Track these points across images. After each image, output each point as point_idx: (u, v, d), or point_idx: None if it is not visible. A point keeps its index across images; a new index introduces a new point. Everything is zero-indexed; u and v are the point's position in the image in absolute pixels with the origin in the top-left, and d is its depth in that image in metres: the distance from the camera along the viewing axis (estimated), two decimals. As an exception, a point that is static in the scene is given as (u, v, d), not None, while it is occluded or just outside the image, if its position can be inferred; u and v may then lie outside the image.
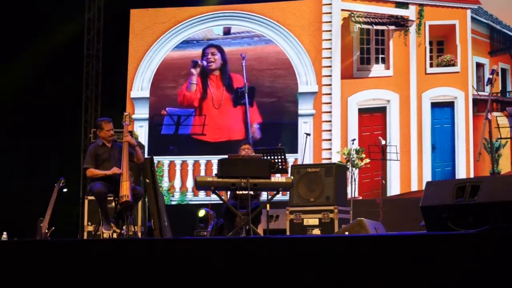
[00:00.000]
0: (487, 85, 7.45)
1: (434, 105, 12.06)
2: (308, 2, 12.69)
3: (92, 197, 8.14)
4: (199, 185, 7.60)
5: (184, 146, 12.69)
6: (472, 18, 11.96)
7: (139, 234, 8.31)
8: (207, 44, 12.95)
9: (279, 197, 8.08)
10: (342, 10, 12.42)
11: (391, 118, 12.11)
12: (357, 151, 10.83)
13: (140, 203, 8.29)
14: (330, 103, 12.31)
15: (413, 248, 3.75)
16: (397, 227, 8.97)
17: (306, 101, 12.42)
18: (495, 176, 8.18)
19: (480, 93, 11.81)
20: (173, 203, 12.51)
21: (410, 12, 12.21)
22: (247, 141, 10.99)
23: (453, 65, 11.96)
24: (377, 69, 12.33)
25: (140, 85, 12.93)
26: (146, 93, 12.88)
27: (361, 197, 11.60)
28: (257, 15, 12.80)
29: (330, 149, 12.17)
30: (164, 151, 12.63)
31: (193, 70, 12.75)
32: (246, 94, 12.46)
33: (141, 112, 12.81)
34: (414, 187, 11.85)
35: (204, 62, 12.75)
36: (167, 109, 12.76)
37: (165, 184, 12.56)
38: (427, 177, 11.71)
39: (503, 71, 11.85)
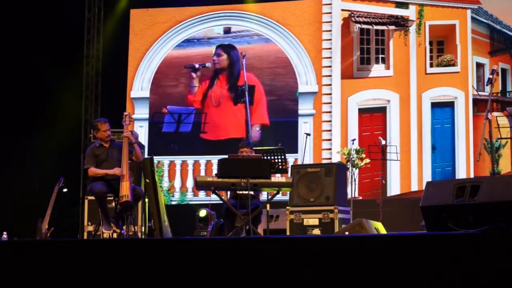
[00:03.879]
0: (487, 85, 7.45)
1: (434, 105, 12.06)
2: (308, 2, 12.70)
3: (92, 197, 8.13)
4: (199, 185, 7.59)
5: (185, 144, 12.70)
6: (472, 18, 11.96)
7: (139, 234, 8.30)
8: (207, 42, 12.98)
9: (279, 197, 8.08)
10: (342, 10, 12.42)
11: (391, 118, 12.11)
12: (357, 151, 10.83)
13: (140, 203, 8.29)
14: (330, 103, 12.32)
15: (413, 248, 3.75)
16: (397, 227, 8.96)
17: (306, 101, 12.43)
18: (495, 176, 8.18)
19: (480, 93, 11.81)
20: (173, 203, 12.51)
21: (410, 12, 12.21)
22: (246, 141, 10.97)
23: (453, 65, 11.97)
24: (377, 69, 12.33)
25: (140, 85, 12.93)
26: (146, 93, 12.89)
27: (361, 197, 11.60)
28: (257, 15, 12.81)
29: (330, 149, 12.17)
30: (165, 148, 12.65)
31: (193, 74, 12.80)
32: (246, 93, 12.47)
33: (141, 112, 12.82)
34: (414, 187, 11.85)
35: (207, 64, 12.81)
36: (168, 107, 12.79)
37: (165, 184, 12.56)
38: (427, 177, 11.70)
39: (503, 71, 11.85)
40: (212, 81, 12.81)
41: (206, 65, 12.82)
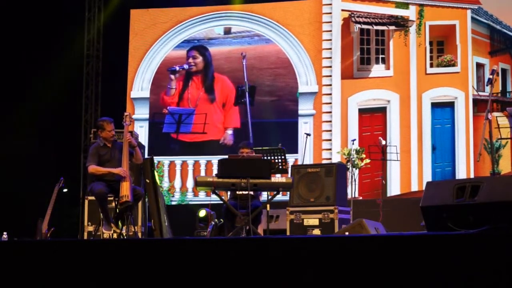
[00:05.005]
0: (487, 85, 7.44)
1: (434, 105, 12.06)
2: (308, 2, 12.70)
3: (92, 197, 8.13)
4: (199, 185, 7.59)
5: (184, 144, 12.71)
6: (472, 18, 11.96)
7: (139, 234, 8.30)
8: (208, 43, 12.98)
9: (279, 197, 8.08)
10: (342, 10, 12.42)
11: (391, 118, 12.11)
12: (357, 151, 10.82)
13: (140, 203, 8.29)
14: (330, 103, 12.32)
15: (413, 248, 3.75)
16: (397, 227, 8.96)
17: (306, 101, 12.43)
18: (495, 176, 8.18)
19: (480, 93, 11.81)
20: (173, 203, 12.51)
21: (410, 12, 12.21)
22: (247, 142, 10.96)
23: (453, 65, 11.96)
24: (377, 69, 12.33)
25: (140, 85, 12.93)
26: (146, 93, 12.89)
27: (361, 197, 11.60)
28: (258, 15, 12.81)
29: (330, 149, 12.17)
30: (165, 148, 12.65)
31: (172, 76, 12.80)
32: (247, 93, 12.48)
33: (141, 112, 12.81)
34: (414, 187, 11.85)
35: (185, 66, 12.80)
36: (168, 108, 12.79)
37: (165, 184, 12.56)
38: (427, 177, 11.70)
39: (503, 71, 11.85)
40: (186, 82, 12.81)
41: (184, 67, 12.82)
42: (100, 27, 13.32)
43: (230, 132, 12.56)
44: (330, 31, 12.47)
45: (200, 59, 12.89)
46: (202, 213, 10.01)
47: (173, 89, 12.76)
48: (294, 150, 12.07)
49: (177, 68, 12.80)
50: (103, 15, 13.30)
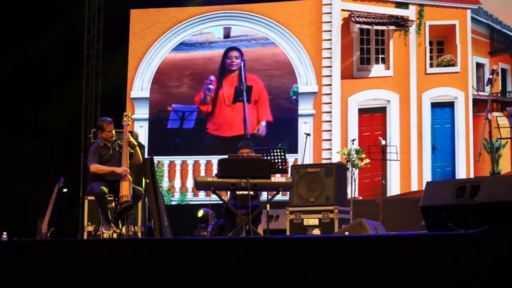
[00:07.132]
0: (487, 85, 7.45)
1: (434, 105, 12.06)
2: (308, 2, 12.70)
3: (92, 197, 8.14)
4: (199, 185, 7.59)
5: (188, 139, 12.72)
6: (472, 18, 11.96)
7: (139, 234, 8.31)
8: (209, 46, 12.99)
9: (279, 197, 8.08)
10: (342, 10, 12.42)
11: (391, 118, 12.11)
12: (357, 151, 10.82)
13: (140, 203, 8.29)
14: (330, 103, 12.32)
15: (413, 248, 3.75)
16: (397, 227, 8.96)
17: (306, 101, 12.43)
18: (495, 176, 8.18)
19: (480, 93, 11.81)
20: (173, 203, 12.51)
21: (410, 12, 12.21)
22: (246, 142, 10.96)
23: (453, 65, 11.96)
24: (377, 69, 12.33)
25: (140, 85, 12.93)
26: (146, 93, 12.89)
27: (361, 197, 11.60)
28: (257, 15, 12.81)
29: (330, 149, 12.17)
30: (170, 143, 12.67)
31: (210, 86, 12.82)
32: (244, 92, 12.51)
33: (141, 112, 12.82)
34: (414, 187, 11.85)
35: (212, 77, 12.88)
36: (172, 105, 12.83)
37: (165, 184, 12.56)
38: (427, 177, 11.70)
39: (503, 71, 11.84)
40: (221, 81, 12.82)
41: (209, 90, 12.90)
42: (100, 27, 13.31)
43: (263, 123, 12.55)
44: (330, 31, 12.47)
45: (239, 59, 12.89)
46: (201, 213, 10.01)
47: (208, 96, 12.83)
48: (294, 150, 12.08)
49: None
50: (103, 15, 13.30)
